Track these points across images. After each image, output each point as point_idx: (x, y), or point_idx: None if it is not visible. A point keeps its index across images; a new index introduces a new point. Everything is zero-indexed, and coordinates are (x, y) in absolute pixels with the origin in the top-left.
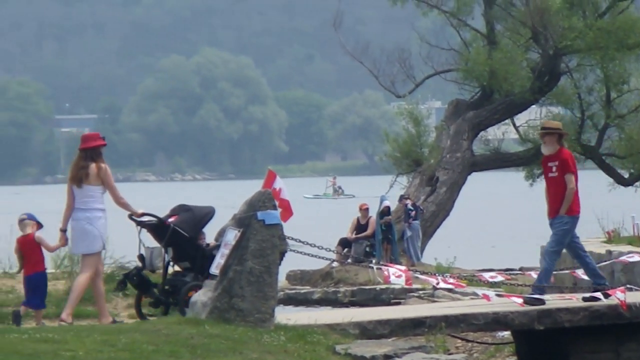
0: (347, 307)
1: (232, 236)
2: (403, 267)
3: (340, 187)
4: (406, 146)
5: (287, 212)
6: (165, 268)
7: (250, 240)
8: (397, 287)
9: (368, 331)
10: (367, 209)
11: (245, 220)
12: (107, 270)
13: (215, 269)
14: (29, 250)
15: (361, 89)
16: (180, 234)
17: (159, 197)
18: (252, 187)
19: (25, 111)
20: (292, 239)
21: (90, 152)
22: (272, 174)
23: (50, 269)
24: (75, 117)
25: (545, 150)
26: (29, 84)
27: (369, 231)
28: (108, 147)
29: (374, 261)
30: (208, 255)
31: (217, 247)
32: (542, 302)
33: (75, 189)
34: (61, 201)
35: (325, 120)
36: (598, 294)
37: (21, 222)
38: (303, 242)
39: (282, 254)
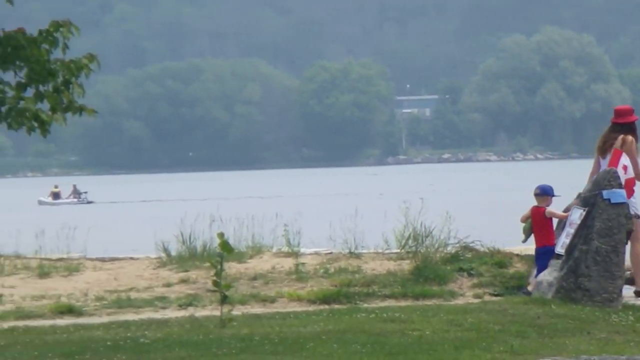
0: None
1: (577, 215)
2: None
3: None
4: None
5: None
6: None
7: (595, 219)
8: None
9: None
10: None
11: (591, 199)
12: (451, 251)
13: (560, 249)
14: (539, 223)
15: None
16: None
17: (500, 176)
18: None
19: (367, 93)
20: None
21: (622, 126)
22: (617, 152)
23: (394, 248)
24: (416, 98)
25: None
26: (370, 65)
27: None
28: (448, 127)
29: None
30: None
31: (563, 226)
32: None
33: (600, 160)
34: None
35: None
36: None
37: (537, 195)
38: None
39: (629, 233)
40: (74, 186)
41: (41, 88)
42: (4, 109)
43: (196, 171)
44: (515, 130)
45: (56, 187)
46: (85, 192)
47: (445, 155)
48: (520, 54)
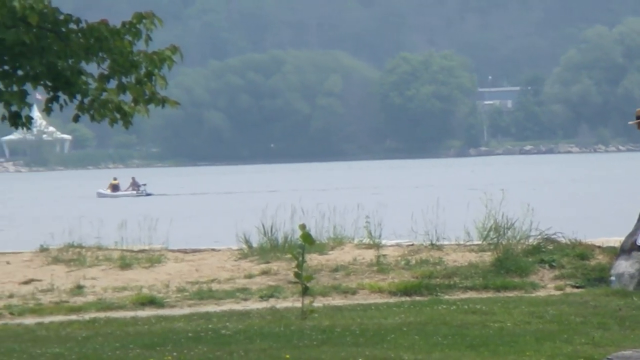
0: None
1: None
2: None
3: None
4: None
5: None
6: None
7: None
8: None
9: None
10: None
11: None
12: (532, 242)
13: None
14: None
15: None
16: None
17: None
18: None
19: (449, 84)
20: None
21: None
22: None
23: (475, 240)
24: (497, 90)
25: None
26: (452, 57)
27: None
28: (530, 119)
29: None
30: None
31: None
32: None
33: None
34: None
35: None
36: None
37: None
38: None
39: None
40: (133, 178)
41: (124, 80)
42: (87, 100)
43: (277, 163)
44: (597, 121)
45: (115, 179)
46: (144, 185)
47: (527, 147)
48: (602, 44)
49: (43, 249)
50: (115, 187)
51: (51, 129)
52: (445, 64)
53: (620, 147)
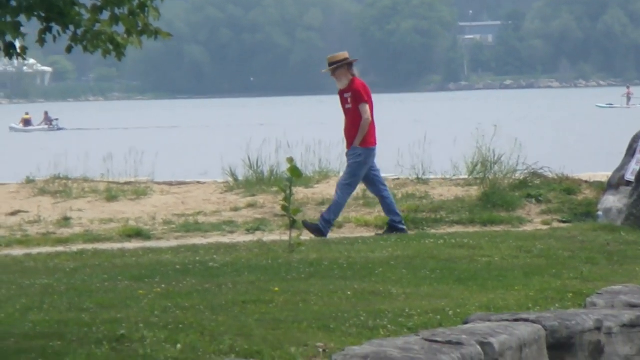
0: None
1: None
2: None
3: None
4: None
5: None
6: None
7: None
8: None
9: None
10: None
11: None
12: (519, 177)
13: (630, 175)
14: None
15: None
16: None
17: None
18: None
19: (429, 19)
20: None
21: None
22: None
23: (463, 174)
24: (478, 24)
25: (339, 85)
26: None
27: None
28: (510, 54)
29: None
30: None
31: (633, 153)
32: (324, 235)
33: None
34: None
35: None
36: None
37: None
38: None
39: None
40: (46, 113)
41: (117, 11)
42: (79, 31)
43: (257, 97)
44: (577, 57)
45: (27, 114)
46: (57, 119)
47: (507, 82)
48: None
49: (29, 181)
50: (27, 122)
51: (32, 61)
52: None
53: (601, 82)
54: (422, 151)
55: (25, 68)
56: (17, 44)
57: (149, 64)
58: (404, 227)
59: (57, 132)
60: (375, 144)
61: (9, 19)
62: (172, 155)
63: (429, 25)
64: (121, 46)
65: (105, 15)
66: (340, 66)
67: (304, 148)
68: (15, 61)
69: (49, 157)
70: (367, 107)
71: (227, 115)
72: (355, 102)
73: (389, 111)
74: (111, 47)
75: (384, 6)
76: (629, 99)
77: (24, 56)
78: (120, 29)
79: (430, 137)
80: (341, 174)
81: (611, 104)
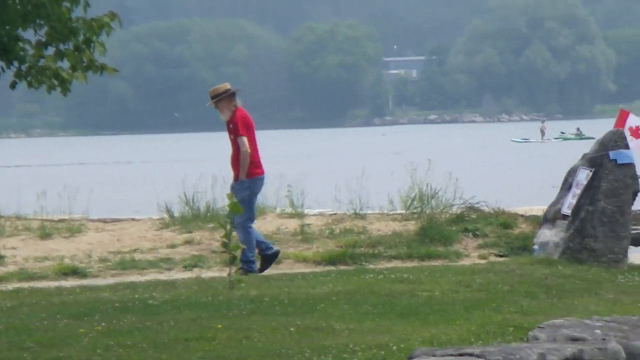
0: None
1: (583, 176)
2: None
3: (578, 129)
4: None
5: None
6: None
7: (602, 180)
8: None
9: None
10: None
11: (597, 160)
12: (456, 211)
13: (566, 209)
14: None
15: None
16: None
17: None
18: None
19: (354, 54)
20: None
21: None
22: (624, 112)
23: (399, 209)
24: (403, 59)
25: (223, 117)
26: (358, 27)
27: None
28: (434, 89)
29: None
30: None
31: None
32: (255, 272)
33: None
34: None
35: None
36: None
37: None
38: None
39: (635, 194)
40: None
41: (62, 47)
42: (24, 67)
43: (182, 132)
44: (500, 91)
45: None
46: None
47: (432, 117)
48: (506, 14)
49: None
50: None
51: None
52: (351, 33)
53: (524, 117)
54: (360, 186)
55: None
56: None
57: (72, 99)
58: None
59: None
60: (261, 173)
61: None
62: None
63: (354, 60)
64: (66, 81)
65: (50, 50)
66: (222, 98)
67: None
68: None
69: None
70: (245, 139)
71: (154, 151)
72: (235, 134)
73: (317, 145)
74: (56, 82)
75: (309, 41)
76: (543, 133)
77: None
78: (65, 64)
79: (364, 171)
80: (277, 209)
81: (527, 139)
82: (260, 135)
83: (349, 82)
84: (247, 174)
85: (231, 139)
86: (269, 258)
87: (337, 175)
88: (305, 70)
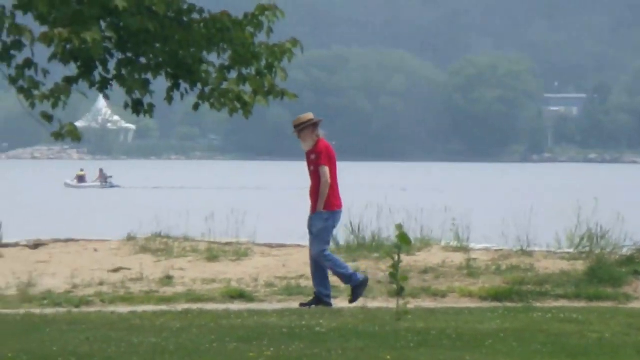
0: None
1: None
2: None
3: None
4: None
5: None
6: None
7: None
8: None
9: None
10: None
11: None
12: (626, 253)
13: None
14: None
15: None
16: None
17: None
18: None
19: (515, 89)
20: None
21: None
22: None
23: (566, 247)
24: (563, 96)
25: (305, 146)
26: (519, 61)
27: None
28: (595, 127)
29: None
30: None
31: None
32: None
33: None
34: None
35: None
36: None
37: None
38: None
39: None
40: (101, 170)
41: (244, 71)
42: (207, 89)
43: (338, 160)
44: None
45: (82, 170)
46: (110, 177)
47: (591, 155)
48: None
49: (130, 238)
50: (81, 178)
51: (116, 117)
52: (512, 67)
53: None
54: (527, 222)
55: (109, 125)
56: (145, 101)
57: (232, 124)
58: (331, 301)
59: (111, 189)
60: (340, 206)
61: (137, 76)
62: (269, 217)
63: (514, 95)
64: (248, 104)
65: (233, 74)
66: (305, 127)
67: (405, 214)
68: (100, 118)
69: (144, 213)
70: (327, 169)
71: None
72: (317, 164)
73: (477, 179)
74: (238, 105)
75: (468, 74)
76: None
77: (152, 114)
78: (247, 88)
79: (529, 207)
80: (442, 242)
81: None
82: (416, 167)
83: (508, 117)
84: (327, 205)
85: (311, 170)
86: (320, 302)
87: (502, 210)
88: (464, 104)
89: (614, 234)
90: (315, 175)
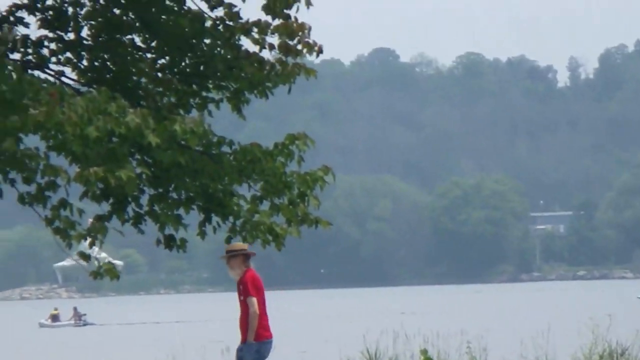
0: None
1: None
2: None
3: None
4: None
5: None
6: None
7: None
8: None
9: None
10: None
11: None
12: None
13: None
14: None
15: None
16: None
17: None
18: None
19: (500, 208)
20: None
21: None
22: None
23: None
24: (549, 214)
25: (232, 274)
26: (504, 181)
27: None
28: (583, 244)
29: None
30: None
31: None
32: None
33: None
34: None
35: None
36: None
37: None
38: None
39: None
40: (75, 308)
41: (277, 201)
42: (239, 222)
43: (328, 288)
44: None
45: (56, 309)
46: (84, 314)
47: (580, 272)
48: None
49: None
50: (55, 317)
51: (103, 255)
52: (497, 188)
53: None
54: (546, 342)
55: (96, 262)
56: (177, 236)
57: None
58: None
59: (84, 327)
60: (270, 337)
61: (169, 212)
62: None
63: (501, 215)
64: (280, 236)
65: (265, 205)
66: (234, 255)
67: (422, 339)
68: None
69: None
70: (254, 300)
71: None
72: (244, 294)
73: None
74: (270, 237)
75: (454, 196)
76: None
77: (185, 249)
78: (279, 218)
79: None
80: None
81: None
82: (407, 291)
83: (495, 237)
84: (256, 336)
85: (240, 300)
86: None
87: (515, 331)
88: (451, 225)
89: (633, 350)
90: (244, 306)
